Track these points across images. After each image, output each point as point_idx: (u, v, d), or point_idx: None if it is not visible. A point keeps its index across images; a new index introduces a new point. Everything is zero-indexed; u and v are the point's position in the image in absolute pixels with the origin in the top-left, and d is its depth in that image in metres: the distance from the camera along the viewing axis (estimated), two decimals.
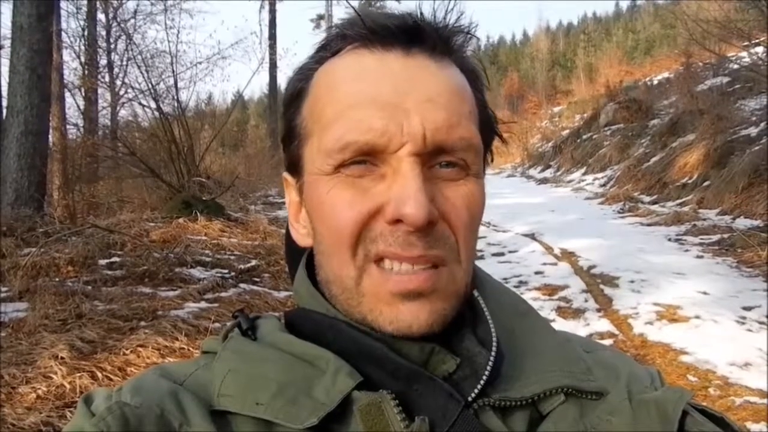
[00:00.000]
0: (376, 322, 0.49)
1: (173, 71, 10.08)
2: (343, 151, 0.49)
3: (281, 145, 0.59)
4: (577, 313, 4.49)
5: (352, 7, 0.54)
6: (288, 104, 0.56)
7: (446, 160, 0.50)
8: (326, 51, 0.54)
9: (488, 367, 0.49)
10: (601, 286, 5.10)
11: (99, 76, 13.09)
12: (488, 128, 0.57)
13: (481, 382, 0.48)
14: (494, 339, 0.50)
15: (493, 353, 0.50)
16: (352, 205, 0.49)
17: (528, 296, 4.78)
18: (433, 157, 0.49)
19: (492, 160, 0.59)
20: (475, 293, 0.55)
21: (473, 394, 0.48)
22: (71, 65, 12.35)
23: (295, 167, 0.57)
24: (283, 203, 10.42)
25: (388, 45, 0.50)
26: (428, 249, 0.48)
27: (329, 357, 0.49)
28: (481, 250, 6.88)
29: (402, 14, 0.52)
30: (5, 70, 6.80)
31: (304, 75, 0.55)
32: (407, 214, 0.46)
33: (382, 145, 0.48)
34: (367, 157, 0.49)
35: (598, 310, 4.52)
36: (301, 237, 0.59)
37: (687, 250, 6.48)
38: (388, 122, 0.48)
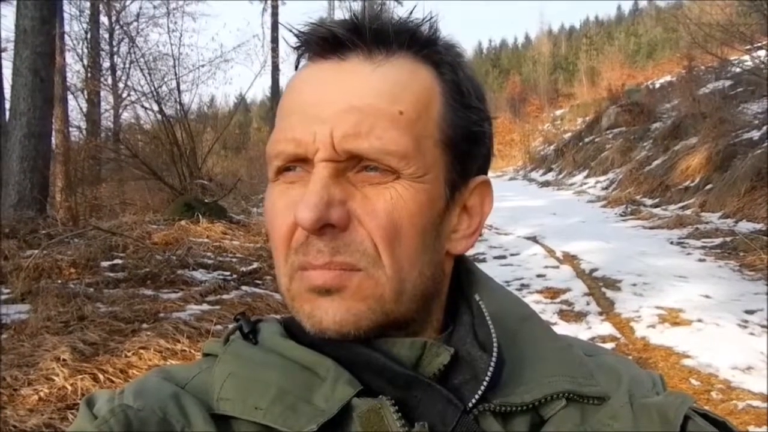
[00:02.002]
0: (302, 322, 0.50)
1: (176, 74, 10.15)
2: (277, 159, 0.51)
3: None
4: (579, 317, 4.49)
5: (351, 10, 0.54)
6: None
7: (369, 165, 0.49)
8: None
9: (489, 372, 0.49)
10: (603, 290, 5.09)
11: (102, 79, 13.15)
12: (459, 126, 0.52)
13: (482, 387, 0.48)
14: (495, 343, 0.50)
15: (494, 358, 0.49)
16: (282, 215, 0.50)
17: (530, 299, 4.77)
18: (355, 163, 0.49)
19: (473, 161, 0.54)
20: (477, 297, 0.55)
21: (474, 400, 0.48)
22: (74, 68, 12.36)
23: None
24: None
25: (326, 54, 0.51)
26: (334, 255, 0.48)
27: (329, 364, 0.49)
28: (483, 253, 6.88)
29: (343, 20, 0.52)
30: (8, 72, 6.82)
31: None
32: (297, 218, 0.47)
33: (302, 154, 0.49)
34: (297, 164, 0.50)
35: (600, 314, 4.52)
36: None
37: (689, 254, 6.47)
38: (305, 131, 0.49)
